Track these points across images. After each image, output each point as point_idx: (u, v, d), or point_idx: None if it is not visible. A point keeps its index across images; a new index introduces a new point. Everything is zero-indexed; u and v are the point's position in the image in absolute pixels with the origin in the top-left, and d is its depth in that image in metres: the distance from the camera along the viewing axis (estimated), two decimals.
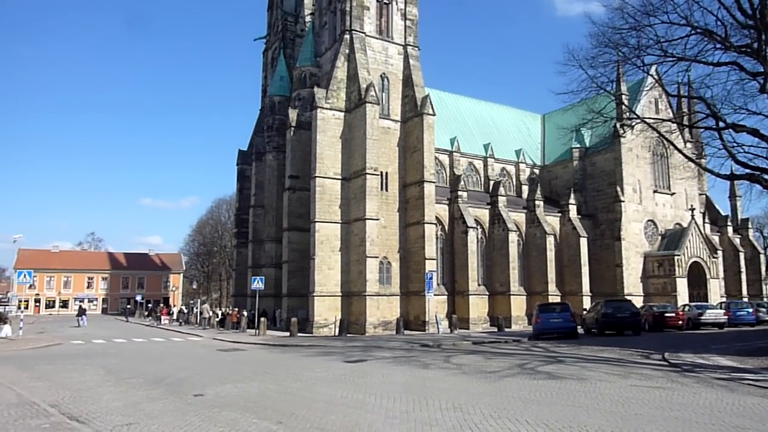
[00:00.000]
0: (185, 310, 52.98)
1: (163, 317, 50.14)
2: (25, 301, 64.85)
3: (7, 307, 40.53)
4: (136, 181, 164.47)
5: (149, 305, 70.01)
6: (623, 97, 39.25)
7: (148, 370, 15.51)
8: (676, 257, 43.55)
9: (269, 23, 53.84)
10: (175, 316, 50.46)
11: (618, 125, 34.41)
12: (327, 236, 36.39)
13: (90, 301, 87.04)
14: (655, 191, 47.10)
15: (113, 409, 9.67)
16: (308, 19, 47.42)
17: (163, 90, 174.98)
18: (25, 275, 29.87)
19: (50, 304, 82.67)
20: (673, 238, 45.60)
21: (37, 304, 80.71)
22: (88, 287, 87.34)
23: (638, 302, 38.23)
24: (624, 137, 42.26)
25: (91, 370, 15.62)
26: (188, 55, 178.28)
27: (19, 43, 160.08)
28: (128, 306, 70.01)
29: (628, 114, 30.78)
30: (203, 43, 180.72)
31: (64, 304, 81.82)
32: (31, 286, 65.14)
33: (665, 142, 32.18)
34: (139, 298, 71.52)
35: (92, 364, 17.11)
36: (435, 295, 35.60)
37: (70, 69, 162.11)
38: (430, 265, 36.12)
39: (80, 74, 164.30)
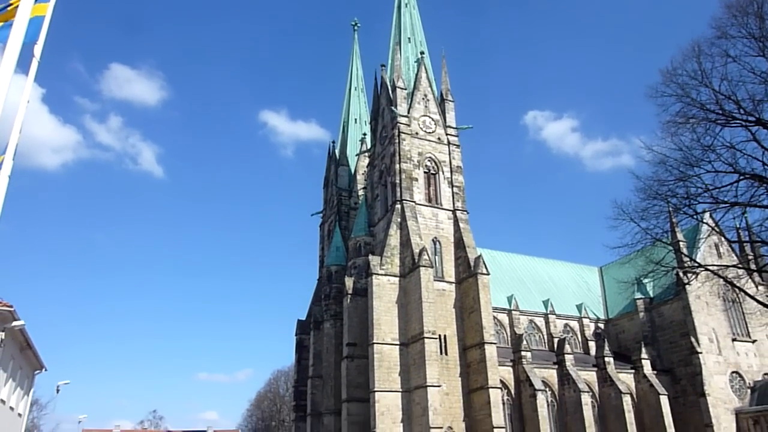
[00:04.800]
0: None
1: None
2: None
3: None
4: (192, 355, 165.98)
5: None
6: (681, 245, 38.64)
7: None
8: None
9: (325, 199, 57.66)
10: None
11: (681, 274, 33.50)
12: (388, 407, 34.99)
13: None
14: (734, 340, 44.11)
15: None
16: (361, 193, 50.64)
17: (218, 272, 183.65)
18: None
19: None
20: (765, 391, 41.58)
21: None
22: None
23: None
24: (689, 285, 40.77)
25: None
26: (247, 235, 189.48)
27: (93, 229, 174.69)
28: None
29: (688, 262, 30.08)
30: (262, 223, 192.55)
31: None
32: None
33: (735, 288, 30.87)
34: None
35: None
36: None
37: (120, 237, 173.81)
38: None
39: (147, 254, 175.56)
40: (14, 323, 23.83)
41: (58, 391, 43.77)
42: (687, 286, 41.39)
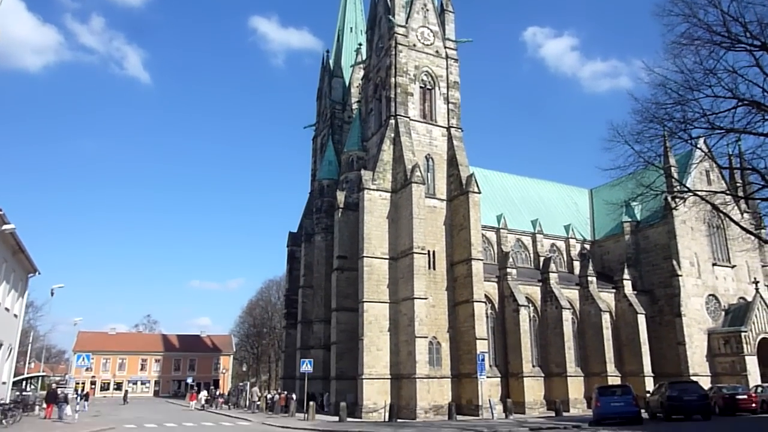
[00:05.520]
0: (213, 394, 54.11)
1: (192, 402, 49.59)
2: (81, 383, 66.11)
3: (65, 389, 41.37)
4: (184, 263, 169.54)
5: (193, 388, 69.87)
6: (672, 170, 38.70)
7: None
8: (743, 334, 41.11)
9: (318, 112, 56.63)
10: (203, 401, 50.37)
11: (669, 198, 33.81)
12: (375, 316, 36.21)
13: (143, 383, 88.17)
14: (714, 264, 45.31)
15: None
16: (355, 106, 49.67)
17: (209, 183, 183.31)
18: (83, 358, 30.70)
19: (105, 387, 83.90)
20: (738, 314, 43.23)
21: (93, 386, 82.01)
22: (141, 369, 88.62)
23: (705, 383, 35.88)
24: (676, 210, 41.24)
25: None
26: (239, 145, 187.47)
27: (82, 137, 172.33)
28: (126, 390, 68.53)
29: (678, 187, 30.23)
30: (253, 135, 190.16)
31: (118, 386, 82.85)
32: (87, 368, 66.56)
33: (720, 214, 31.31)
34: (190, 380, 71.73)
35: None
36: (487, 377, 34.43)
37: (116, 149, 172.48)
38: (482, 346, 35.20)
39: (138, 162, 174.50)
40: (4, 227, 23.98)
41: (52, 294, 44.86)
42: (674, 210, 41.89)
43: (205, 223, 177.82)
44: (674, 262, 43.42)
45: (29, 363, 73.23)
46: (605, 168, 21.09)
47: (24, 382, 51.30)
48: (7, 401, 29.74)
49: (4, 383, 31.45)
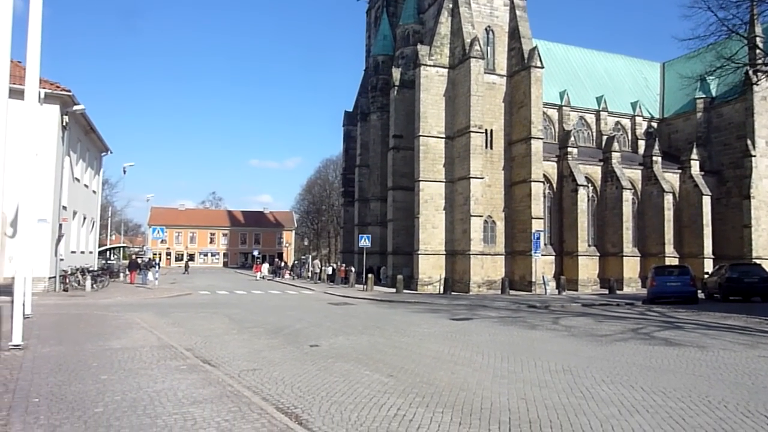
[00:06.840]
0: (281, 265, 56.30)
1: (257, 273, 52.66)
2: (158, 254, 71.50)
3: (143, 258, 45.07)
4: (243, 141, 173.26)
5: (258, 259, 74.37)
6: (758, 39, 35.24)
7: (267, 321, 16.72)
8: None
9: None
10: (264, 272, 53.27)
11: (751, 72, 31.14)
12: (431, 195, 36.57)
13: (213, 255, 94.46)
14: None
15: (239, 355, 10.56)
16: None
17: (263, 57, 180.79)
18: (158, 231, 33.01)
19: (179, 257, 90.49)
20: None
21: (168, 257, 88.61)
22: (210, 242, 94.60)
23: None
24: (758, 85, 38.08)
25: (218, 319, 17.09)
26: (293, 21, 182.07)
27: (131, 15, 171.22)
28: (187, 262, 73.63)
29: (763, 59, 27.76)
30: (308, 4, 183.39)
31: (191, 257, 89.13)
32: (162, 240, 71.50)
33: None
34: (255, 253, 76.29)
35: (218, 314, 18.70)
36: (542, 255, 34.88)
37: (182, 35, 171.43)
38: (537, 225, 35.32)
39: (191, 38, 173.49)
40: (75, 107, 24.87)
41: (124, 172, 47.34)
42: (755, 86, 38.74)
43: (260, 100, 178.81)
44: (748, 141, 40.95)
45: (110, 235, 79.27)
46: (682, 38, 19.58)
47: (108, 253, 55.91)
48: (96, 268, 32.76)
49: (91, 252, 34.43)
